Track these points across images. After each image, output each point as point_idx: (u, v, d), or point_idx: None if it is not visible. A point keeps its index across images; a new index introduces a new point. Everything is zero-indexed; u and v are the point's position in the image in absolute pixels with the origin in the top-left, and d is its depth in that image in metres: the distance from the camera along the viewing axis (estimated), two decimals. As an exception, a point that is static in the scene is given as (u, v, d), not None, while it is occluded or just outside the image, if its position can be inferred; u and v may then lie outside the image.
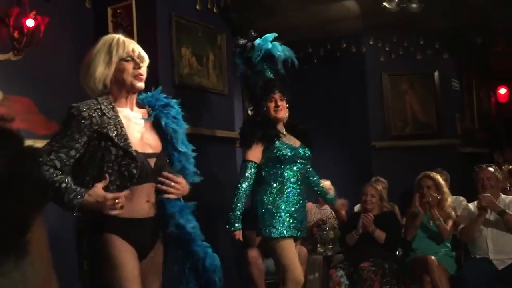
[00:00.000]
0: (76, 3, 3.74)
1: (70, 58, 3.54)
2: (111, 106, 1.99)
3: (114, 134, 1.93)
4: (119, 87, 2.03)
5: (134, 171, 1.93)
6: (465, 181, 4.77)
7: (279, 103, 3.25)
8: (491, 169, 4.02)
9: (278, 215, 3.09)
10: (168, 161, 2.11)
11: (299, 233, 3.19)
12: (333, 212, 4.78)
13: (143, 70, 2.06)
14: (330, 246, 4.25)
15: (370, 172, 5.42)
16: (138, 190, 1.96)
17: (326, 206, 4.85)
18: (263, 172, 3.17)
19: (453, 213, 4.22)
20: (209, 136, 3.95)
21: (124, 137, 1.94)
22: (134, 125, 2.03)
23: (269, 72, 3.30)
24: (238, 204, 3.07)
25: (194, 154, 2.16)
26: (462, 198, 4.88)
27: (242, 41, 3.44)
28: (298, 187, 3.18)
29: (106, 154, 1.92)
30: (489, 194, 3.79)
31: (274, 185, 3.14)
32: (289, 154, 3.14)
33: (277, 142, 3.15)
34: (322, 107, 5.82)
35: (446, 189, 4.25)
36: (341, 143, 5.72)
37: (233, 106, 4.44)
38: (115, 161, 1.91)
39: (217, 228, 3.88)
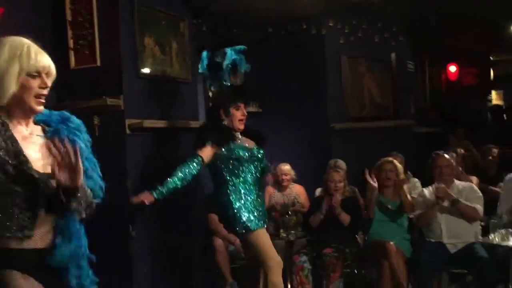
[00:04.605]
0: (32, -10, 3.54)
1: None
2: None
3: (2, 152, 1.64)
4: (17, 104, 1.73)
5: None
6: (420, 161, 4.96)
7: (243, 114, 3.44)
8: (447, 156, 4.21)
9: (248, 210, 3.33)
10: None
11: (265, 224, 3.48)
12: (296, 197, 4.89)
13: (47, 90, 1.75)
14: (292, 231, 4.35)
15: (329, 153, 5.54)
16: (41, 216, 1.70)
17: (289, 191, 4.96)
18: (224, 174, 3.37)
19: (408, 196, 4.41)
20: (178, 127, 3.93)
21: (17, 154, 1.66)
22: (31, 143, 1.75)
23: (227, 81, 3.51)
24: (170, 180, 3.16)
25: (98, 173, 1.88)
26: (416, 180, 5.10)
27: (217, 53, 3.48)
28: (258, 184, 3.46)
29: None
30: (443, 185, 3.97)
31: (237, 184, 3.35)
32: (246, 154, 3.37)
33: (232, 144, 3.37)
34: (282, 88, 5.83)
35: (403, 175, 4.45)
36: (300, 124, 5.77)
37: (197, 94, 4.39)
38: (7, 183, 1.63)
39: (183, 216, 3.90)
